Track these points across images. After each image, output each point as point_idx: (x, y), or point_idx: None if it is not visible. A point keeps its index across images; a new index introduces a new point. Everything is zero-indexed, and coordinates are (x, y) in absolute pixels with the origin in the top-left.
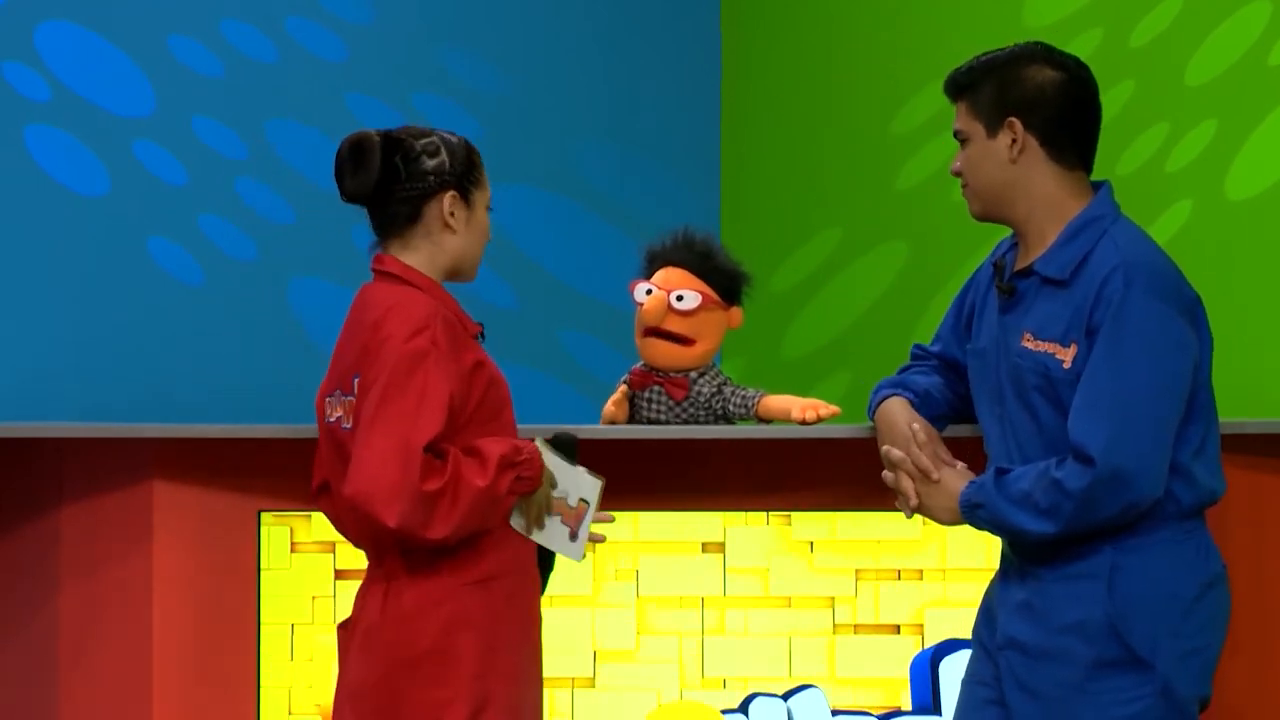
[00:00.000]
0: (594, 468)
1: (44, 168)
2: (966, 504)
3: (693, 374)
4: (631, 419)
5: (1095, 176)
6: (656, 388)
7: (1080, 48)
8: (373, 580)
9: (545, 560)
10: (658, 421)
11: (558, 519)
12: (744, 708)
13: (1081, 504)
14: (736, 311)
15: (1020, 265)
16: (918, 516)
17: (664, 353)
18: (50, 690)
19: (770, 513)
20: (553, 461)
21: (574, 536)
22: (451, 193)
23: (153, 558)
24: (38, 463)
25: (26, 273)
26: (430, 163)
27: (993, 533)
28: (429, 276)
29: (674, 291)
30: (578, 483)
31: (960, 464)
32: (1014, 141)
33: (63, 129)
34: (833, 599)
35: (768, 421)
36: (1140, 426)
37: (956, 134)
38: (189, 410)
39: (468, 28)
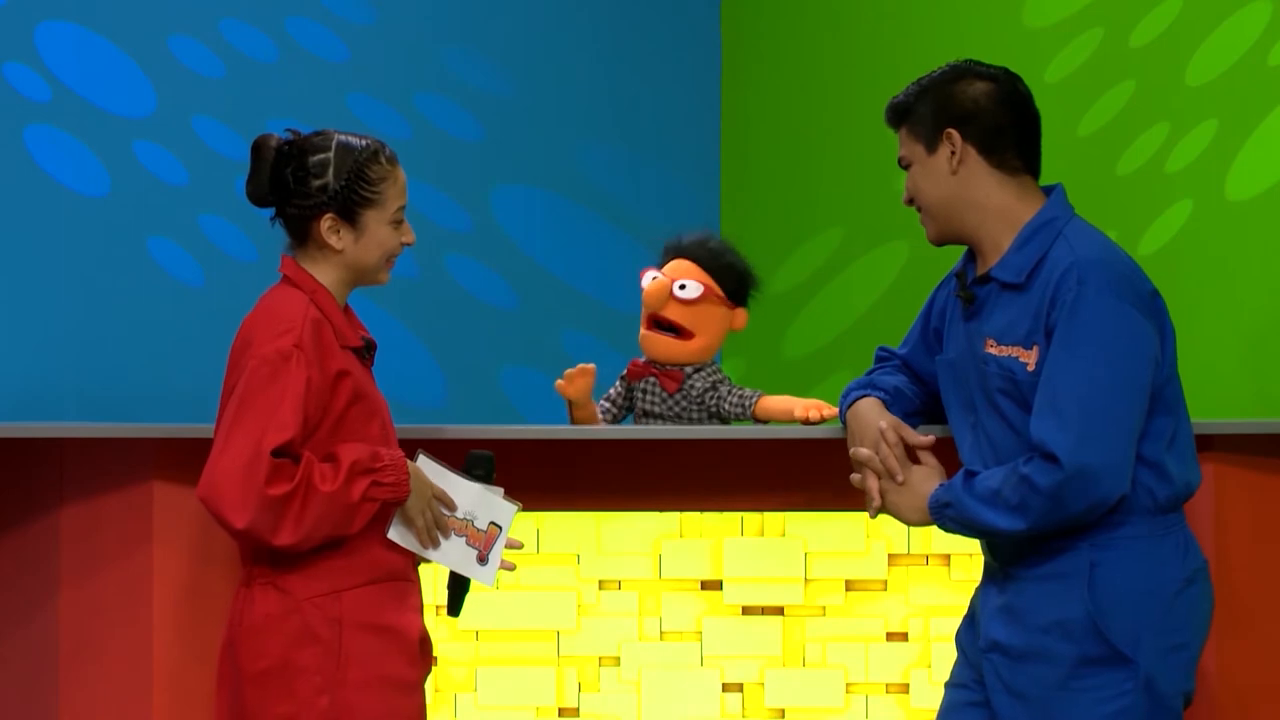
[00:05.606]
0: (595, 466)
1: (44, 168)
2: (935, 504)
3: (688, 369)
4: (628, 408)
5: (1094, 177)
6: (651, 379)
7: (1080, 48)
8: (237, 589)
9: (457, 583)
10: (652, 413)
11: (461, 540)
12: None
13: (1050, 500)
14: (741, 313)
15: (979, 273)
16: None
17: (662, 346)
18: (50, 690)
19: (766, 513)
20: (450, 480)
21: (483, 560)
22: (330, 215)
23: (153, 558)
24: (38, 463)
25: (26, 273)
26: (314, 184)
27: (962, 534)
28: (319, 282)
29: (677, 280)
30: (489, 505)
31: (932, 460)
32: (953, 153)
33: (63, 129)
34: (823, 607)
35: (764, 422)
36: (1102, 423)
37: (901, 161)
38: (189, 410)
39: (469, 28)
